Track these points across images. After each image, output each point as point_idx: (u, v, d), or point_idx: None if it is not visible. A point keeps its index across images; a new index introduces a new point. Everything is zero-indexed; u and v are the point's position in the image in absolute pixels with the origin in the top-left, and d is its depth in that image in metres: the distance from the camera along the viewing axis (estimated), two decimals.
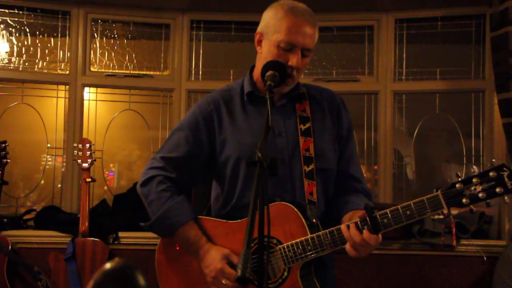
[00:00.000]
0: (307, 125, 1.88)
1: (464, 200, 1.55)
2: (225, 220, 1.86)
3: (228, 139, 1.87)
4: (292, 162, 1.84)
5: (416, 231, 3.26)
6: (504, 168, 1.53)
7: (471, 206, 1.56)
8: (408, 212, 1.61)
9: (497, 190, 1.53)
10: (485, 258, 3.20)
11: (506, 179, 1.52)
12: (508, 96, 3.12)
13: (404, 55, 3.76)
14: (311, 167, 1.84)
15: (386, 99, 3.71)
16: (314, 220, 1.78)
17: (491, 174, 1.53)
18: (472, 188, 1.55)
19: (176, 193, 1.88)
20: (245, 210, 1.76)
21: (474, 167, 1.59)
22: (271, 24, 1.81)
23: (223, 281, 1.75)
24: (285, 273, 1.75)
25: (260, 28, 1.87)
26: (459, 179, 1.57)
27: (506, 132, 3.17)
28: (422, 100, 3.85)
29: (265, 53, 1.83)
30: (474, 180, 1.55)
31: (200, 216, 1.89)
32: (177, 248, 1.91)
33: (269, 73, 1.69)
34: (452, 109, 3.75)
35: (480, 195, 1.54)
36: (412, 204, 1.61)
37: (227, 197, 1.90)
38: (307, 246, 1.71)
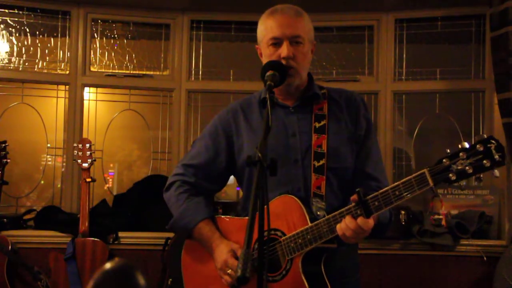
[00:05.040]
0: (322, 122, 1.91)
1: (451, 175, 1.51)
2: (237, 217, 1.94)
3: (246, 143, 1.93)
4: (305, 160, 1.87)
5: (416, 231, 3.26)
6: (492, 140, 1.49)
7: (459, 182, 1.52)
8: (396, 193, 1.61)
9: (485, 163, 1.48)
10: (485, 258, 3.20)
11: (493, 151, 1.47)
12: (508, 96, 3.12)
13: (404, 55, 3.76)
14: (321, 162, 1.86)
15: (386, 99, 3.71)
16: (319, 213, 1.79)
17: (478, 147, 1.49)
18: (459, 163, 1.50)
19: (193, 195, 1.97)
20: None
21: (464, 142, 1.53)
22: (260, 32, 1.94)
23: (228, 271, 1.80)
24: (288, 265, 1.77)
25: (257, 42, 1.99)
26: (447, 155, 1.53)
27: (506, 132, 3.17)
28: (422, 100, 3.85)
29: (264, 59, 1.93)
30: (461, 154, 1.50)
31: (216, 216, 1.96)
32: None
33: (268, 73, 1.71)
34: (452, 109, 3.75)
35: (467, 169, 1.49)
36: (400, 184, 1.61)
37: (246, 200, 1.98)
38: (307, 236, 1.73)
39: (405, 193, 1.59)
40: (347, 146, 1.92)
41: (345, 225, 1.66)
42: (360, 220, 1.63)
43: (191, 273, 1.97)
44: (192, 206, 1.94)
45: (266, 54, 1.90)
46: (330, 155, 1.86)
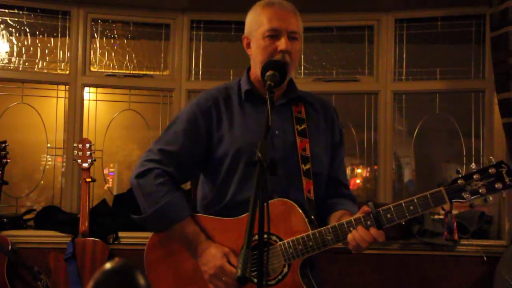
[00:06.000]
0: (303, 126, 1.90)
1: (465, 195, 1.65)
2: (221, 217, 1.85)
3: (226, 136, 1.87)
4: (288, 160, 1.85)
5: (416, 231, 3.26)
6: (503, 165, 1.63)
7: (471, 201, 1.66)
8: (411, 207, 1.68)
9: (497, 185, 1.63)
10: (485, 258, 3.20)
11: (504, 175, 1.63)
12: (508, 96, 3.12)
13: (404, 55, 3.76)
14: (308, 166, 1.86)
15: (386, 99, 3.71)
16: (312, 217, 1.80)
17: (490, 170, 1.64)
18: (473, 183, 1.65)
19: (174, 188, 1.87)
20: (239, 208, 1.79)
21: (473, 164, 1.69)
22: (253, 23, 1.90)
23: (223, 278, 1.75)
24: (285, 270, 1.76)
25: (245, 32, 1.95)
26: (460, 175, 1.66)
27: (506, 132, 3.17)
28: (422, 100, 3.85)
29: (254, 50, 1.88)
30: (475, 176, 1.65)
31: (196, 214, 1.89)
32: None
33: (269, 73, 1.70)
34: (452, 109, 3.75)
35: (480, 190, 1.64)
36: (415, 199, 1.67)
37: (219, 194, 1.88)
38: (309, 242, 1.73)
39: (420, 209, 1.67)
40: (324, 152, 1.94)
41: (359, 237, 1.68)
42: (374, 232, 1.67)
43: (158, 273, 1.88)
44: (176, 201, 1.84)
45: (260, 46, 1.84)
46: (313, 160, 1.87)
